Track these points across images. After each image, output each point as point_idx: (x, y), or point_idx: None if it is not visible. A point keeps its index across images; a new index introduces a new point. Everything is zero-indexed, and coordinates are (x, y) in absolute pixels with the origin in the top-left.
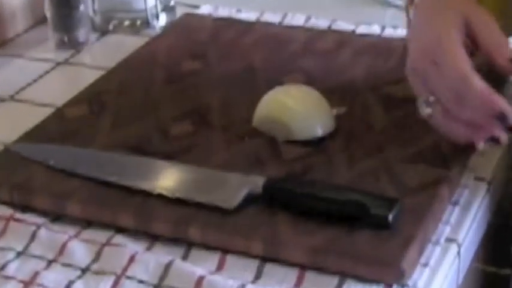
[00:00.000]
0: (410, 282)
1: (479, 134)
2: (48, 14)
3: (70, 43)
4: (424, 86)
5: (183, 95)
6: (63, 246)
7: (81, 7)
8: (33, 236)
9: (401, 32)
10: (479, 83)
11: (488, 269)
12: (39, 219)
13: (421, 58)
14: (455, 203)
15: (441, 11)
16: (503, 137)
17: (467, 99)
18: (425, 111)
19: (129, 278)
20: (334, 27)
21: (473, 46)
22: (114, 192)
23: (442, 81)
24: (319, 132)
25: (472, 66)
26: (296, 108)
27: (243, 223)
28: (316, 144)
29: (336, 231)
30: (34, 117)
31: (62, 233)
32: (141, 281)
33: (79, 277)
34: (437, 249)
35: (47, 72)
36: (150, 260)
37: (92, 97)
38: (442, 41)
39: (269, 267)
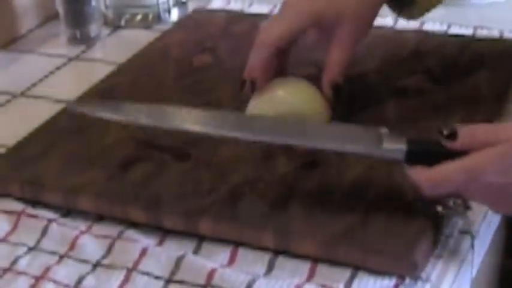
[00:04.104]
0: (423, 275)
1: None
2: (60, 9)
3: (82, 38)
4: None
5: (195, 89)
6: (74, 241)
7: (93, 2)
8: (44, 231)
9: (414, 24)
10: None
11: (503, 261)
12: (50, 214)
13: None
14: None
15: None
16: None
17: None
18: None
19: (140, 272)
20: None
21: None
22: (125, 186)
23: None
24: (325, 119)
25: None
26: (298, 100)
27: (254, 215)
28: None
29: (348, 223)
30: (46, 112)
31: (73, 227)
32: (152, 275)
33: (90, 272)
34: (451, 242)
35: (59, 67)
36: (161, 254)
37: (104, 92)
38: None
39: (281, 260)
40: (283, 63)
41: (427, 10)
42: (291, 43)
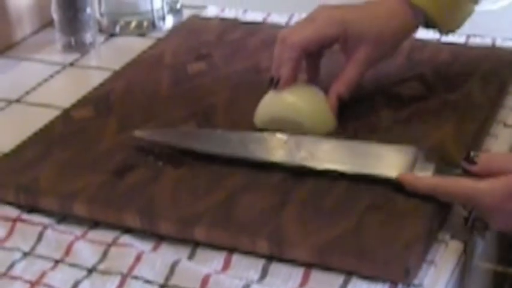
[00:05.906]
0: (415, 281)
1: None
2: (55, 16)
3: (77, 45)
4: None
5: (189, 96)
6: (70, 247)
7: (88, 9)
8: (39, 237)
9: None
10: None
11: (495, 267)
12: (45, 220)
13: None
14: None
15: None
16: None
17: None
18: None
19: (135, 277)
20: None
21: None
22: (120, 192)
23: None
24: (329, 129)
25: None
26: (305, 107)
27: (249, 221)
28: None
29: (341, 229)
30: (41, 119)
31: (68, 233)
32: (147, 281)
33: (85, 277)
34: (443, 247)
35: (54, 74)
36: (156, 259)
37: (99, 99)
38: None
39: (275, 266)
40: (312, 72)
41: (463, 21)
42: (319, 47)
